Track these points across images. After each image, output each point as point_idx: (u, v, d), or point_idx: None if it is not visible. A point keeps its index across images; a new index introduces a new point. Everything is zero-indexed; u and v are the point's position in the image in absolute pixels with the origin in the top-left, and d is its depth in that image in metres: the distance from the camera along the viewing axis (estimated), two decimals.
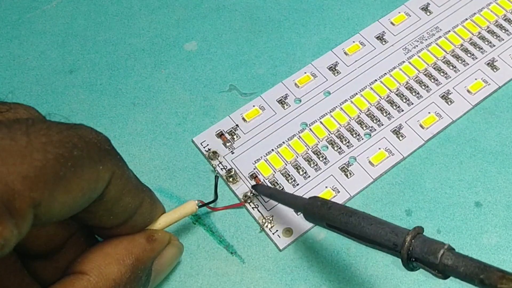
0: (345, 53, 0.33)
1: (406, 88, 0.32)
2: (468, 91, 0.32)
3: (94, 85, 0.33)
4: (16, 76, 0.33)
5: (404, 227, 0.27)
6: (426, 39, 0.34)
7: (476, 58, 0.33)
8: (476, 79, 0.32)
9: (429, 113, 0.31)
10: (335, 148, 0.30)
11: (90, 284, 0.20)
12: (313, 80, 0.32)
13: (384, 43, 0.34)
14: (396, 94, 0.32)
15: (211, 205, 0.28)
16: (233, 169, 0.29)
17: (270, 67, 0.33)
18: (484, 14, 0.35)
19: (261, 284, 0.26)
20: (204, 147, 0.30)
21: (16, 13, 0.36)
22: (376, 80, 0.32)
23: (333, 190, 0.29)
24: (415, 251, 0.19)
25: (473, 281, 0.18)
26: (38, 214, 0.17)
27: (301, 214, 0.28)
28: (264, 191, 0.28)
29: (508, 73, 0.32)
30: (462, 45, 0.33)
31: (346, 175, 0.29)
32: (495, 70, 0.32)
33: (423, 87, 0.32)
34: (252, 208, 0.28)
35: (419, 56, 0.33)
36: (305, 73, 0.32)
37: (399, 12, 0.35)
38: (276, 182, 0.29)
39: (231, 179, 0.29)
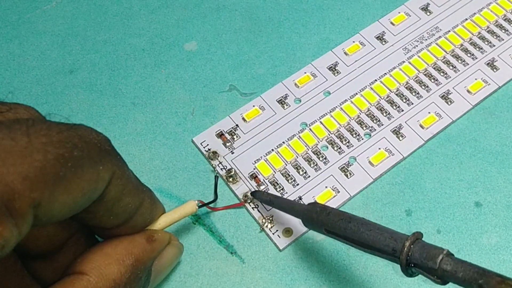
0: (345, 53, 0.33)
1: (406, 88, 0.32)
2: (468, 91, 0.32)
3: (94, 85, 0.33)
4: (16, 76, 0.33)
5: (404, 227, 0.28)
6: (426, 39, 0.34)
7: (476, 58, 0.33)
8: (476, 79, 0.32)
9: (429, 113, 0.31)
10: (335, 148, 0.30)
11: (90, 284, 0.20)
12: (313, 80, 0.32)
13: (384, 43, 0.34)
14: (396, 94, 0.32)
15: (211, 205, 0.28)
16: (233, 169, 0.29)
17: (270, 67, 0.33)
18: (484, 14, 0.35)
19: (261, 284, 0.26)
20: (204, 147, 0.30)
21: (16, 13, 0.36)
22: (376, 80, 0.32)
23: (333, 190, 0.29)
24: (414, 256, 0.19)
25: (471, 286, 0.18)
26: (38, 214, 0.17)
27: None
28: (263, 198, 0.28)
29: (508, 73, 0.32)
30: (462, 45, 0.33)
31: (346, 175, 0.29)
32: (495, 70, 0.32)
33: (423, 87, 0.32)
34: (252, 208, 0.28)
35: (419, 56, 0.33)
36: (305, 73, 0.32)
37: (399, 12, 0.35)
38: (276, 182, 0.29)
39: (231, 179, 0.29)
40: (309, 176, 0.29)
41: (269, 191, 0.29)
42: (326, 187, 0.29)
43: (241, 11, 0.36)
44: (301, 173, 0.29)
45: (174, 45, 0.34)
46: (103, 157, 0.19)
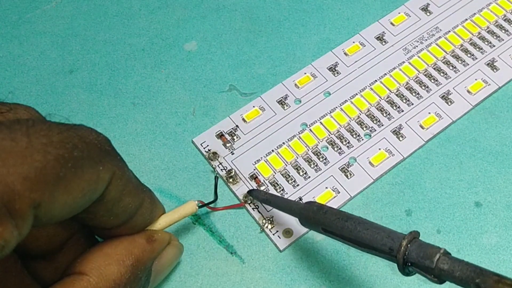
0: (345, 54, 0.33)
1: (406, 88, 0.32)
2: (468, 91, 0.32)
3: (94, 85, 0.33)
4: (16, 76, 0.33)
5: (404, 227, 0.28)
6: (426, 40, 0.34)
7: (476, 59, 0.33)
8: (476, 79, 0.32)
9: (429, 113, 0.31)
10: (335, 149, 0.30)
11: (90, 284, 0.20)
12: (313, 80, 0.32)
13: (384, 43, 0.34)
14: (396, 95, 0.32)
15: (211, 205, 0.28)
16: (233, 170, 0.29)
17: (270, 67, 0.33)
18: (484, 15, 0.35)
19: (261, 284, 0.26)
20: (204, 148, 0.30)
21: (16, 13, 0.36)
22: (376, 80, 0.32)
23: (333, 191, 0.29)
24: (411, 255, 0.19)
25: (468, 285, 0.18)
26: (38, 215, 0.17)
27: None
28: (259, 197, 0.28)
29: (508, 73, 0.32)
30: (462, 45, 0.33)
31: (346, 176, 0.29)
32: (495, 70, 0.32)
33: (423, 87, 0.32)
34: (252, 208, 0.28)
35: (419, 57, 0.33)
36: (305, 73, 0.32)
37: (399, 13, 0.35)
38: (276, 183, 0.29)
39: (231, 180, 0.29)
40: (309, 177, 0.29)
41: (269, 192, 0.29)
42: (326, 187, 0.29)
43: (241, 11, 0.36)
44: (301, 173, 0.29)
45: (174, 45, 0.34)
46: (103, 158, 0.19)
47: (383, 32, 0.34)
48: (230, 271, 0.27)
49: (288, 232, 0.28)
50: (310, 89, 0.32)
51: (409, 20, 0.35)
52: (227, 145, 0.30)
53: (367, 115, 0.31)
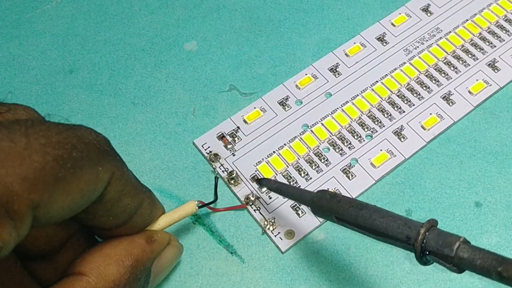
0: (346, 55, 0.33)
1: (407, 89, 0.32)
2: (469, 92, 0.32)
3: (94, 85, 0.33)
4: (16, 76, 0.33)
5: None
6: (427, 40, 0.34)
7: (477, 59, 0.33)
8: (477, 80, 0.32)
9: (430, 114, 0.31)
10: (337, 150, 0.30)
11: (89, 285, 0.20)
12: (314, 81, 0.32)
13: (385, 44, 0.34)
14: (397, 96, 0.32)
15: (211, 205, 0.28)
16: (235, 171, 0.29)
17: (270, 67, 0.33)
18: (484, 15, 0.35)
19: (261, 284, 0.26)
20: (205, 149, 0.30)
21: (16, 13, 0.36)
22: (377, 81, 0.32)
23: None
24: (430, 244, 0.19)
25: (490, 274, 0.17)
26: (37, 215, 0.17)
27: (304, 216, 0.28)
28: (270, 185, 0.28)
29: (509, 74, 0.32)
30: (463, 46, 0.33)
31: (348, 177, 0.29)
32: (496, 70, 0.32)
33: (424, 88, 0.32)
34: (254, 210, 0.28)
35: (420, 57, 0.33)
36: (306, 74, 0.32)
37: (400, 13, 0.35)
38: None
39: (232, 181, 0.29)
40: (310, 178, 0.29)
41: (271, 193, 0.29)
42: (328, 188, 0.29)
43: (241, 11, 0.36)
44: (302, 175, 0.29)
45: (174, 45, 0.34)
46: (102, 158, 0.19)
47: (384, 32, 0.34)
48: (230, 271, 0.27)
49: (290, 234, 0.27)
50: (311, 90, 0.32)
51: (410, 20, 0.35)
52: (228, 146, 0.30)
53: (368, 116, 0.31)
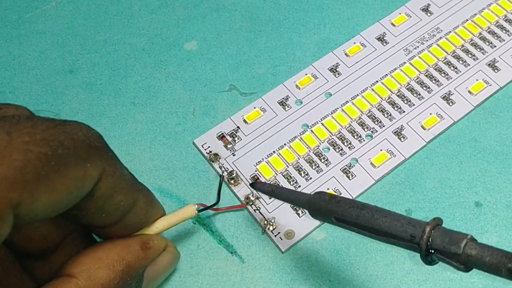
0: (346, 54, 0.33)
1: (407, 89, 0.32)
2: (470, 92, 0.32)
3: (94, 85, 0.33)
4: (16, 76, 0.33)
5: None
6: (427, 40, 0.34)
7: (477, 59, 0.33)
8: (477, 80, 0.32)
9: (430, 114, 0.31)
10: (337, 150, 0.30)
11: (78, 287, 0.20)
12: (314, 81, 0.32)
13: (385, 44, 0.34)
14: (397, 95, 0.32)
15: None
16: (235, 171, 0.29)
17: (270, 67, 0.33)
18: (484, 15, 0.35)
19: (261, 284, 0.26)
20: (205, 149, 0.30)
21: (16, 13, 0.36)
22: (377, 81, 0.32)
23: (335, 192, 0.29)
24: (435, 242, 0.18)
25: (500, 271, 0.17)
26: (19, 214, 0.17)
27: (304, 215, 0.28)
28: (264, 189, 0.27)
29: (509, 74, 0.32)
30: (463, 46, 0.33)
31: (348, 177, 0.29)
32: (496, 70, 0.32)
33: (424, 88, 0.32)
34: (254, 210, 0.28)
35: (420, 57, 0.33)
36: (306, 74, 0.32)
37: (400, 13, 0.35)
38: (277, 184, 0.29)
39: (232, 181, 0.29)
40: (310, 178, 0.29)
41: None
42: (328, 188, 0.29)
43: (241, 11, 0.36)
44: (302, 175, 0.29)
45: (174, 45, 0.34)
46: (91, 154, 0.19)
47: (384, 32, 0.34)
48: (230, 271, 0.27)
49: (290, 234, 0.27)
50: (311, 90, 0.32)
51: (410, 20, 0.35)
52: (228, 146, 0.30)
53: (368, 116, 0.31)
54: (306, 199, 0.24)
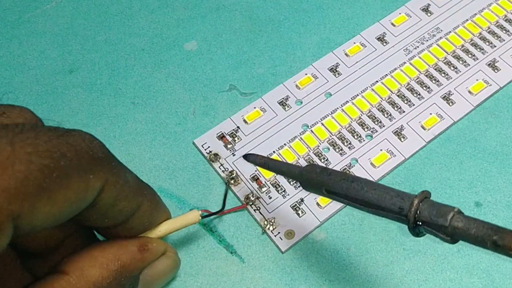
0: (346, 54, 0.33)
1: (407, 89, 0.32)
2: (470, 92, 0.32)
3: (94, 85, 0.33)
4: (16, 76, 0.33)
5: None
6: (427, 40, 0.34)
7: (477, 59, 0.33)
8: (477, 80, 0.32)
9: (430, 114, 0.31)
10: (337, 150, 0.30)
11: (69, 284, 0.20)
12: (314, 81, 0.32)
13: (385, 44, 0.34)
14: (397, 95, 0.32)
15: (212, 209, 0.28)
16: (235, 171, 0.29)
17: (270, 67, 0.33)
18: (484, 15, 0.35)
19: (261, 284, 0.26)
20: (205, 149, 0.30)
21: (16, 13, 0.36)
22: (377, 81, 0.32)
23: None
24: (423, 214, 0.19)
25: (485, 243, 0.17)
26: (19, 225, 0.17)
27: (304, 216, 0.28)
28: (257, 161, 0.27)
29: (509, 74, 0.32)
30: (463, 45, 0.33)
31: None
32: (496, 70, 0.32)
33: (424, 88, 0.32)
34: (254, 210, 0.28)
35: (420, 57, 0.33)
36: (306, 74, 0.32)
37: (400, 13, 0.35)
38: (277, 184, 0.29)
39: (232, 181, 0.29)
40: None
41: (271, 193, 0.29)
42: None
43: (241, 11, 0.36)
44: None
45: (174, 45, 0.34)
46: (94, 166, 0.19)
47: (384, 32, 0.34)
48: (230, 271, 0.27)
49: (290, 234, 0.27)
50: (311, 90, 0.32)
51: (410, 20, 0.35)
52: (228, 146, 0.30)
53: (368, 116, 0.31)
54: (298, 171, 0.24)
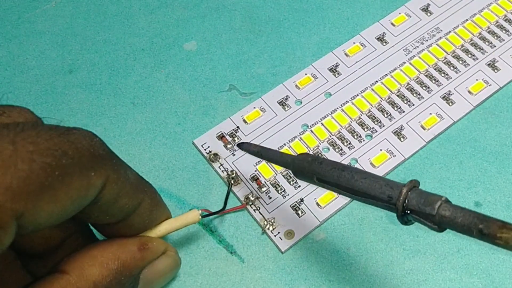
0: (346, 54, 0.33)
1: (407, 89, 0.32)
2: (469, 92, 0.32)
3: (94, 85, 0.33)
4: (16, 76, 0.33)
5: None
6: (427, 40, 0.34)
7: (477, 59, 0.33)
8: (477, 79, 0.32)
9: (430, 114, 0.31)
10: (337, 150, 0.30)
11: (69, 283, 0.20)
12: (313, 81, 0.32)
13: (384, 44, 0.34)
14: (397, 95, 0.32)
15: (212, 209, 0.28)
16: (234, 171, 0.29)
17: (270, 67, 0.33)
18: (484, 15, 0.35)
19: (261, 284, 0.26)
20: (205, 149, 0.30)
21: (16, 13, 0.36)
22: (377, 81, 0.32)
23: (335, 192, 0.28)
24: (411, 203, 0.19)
25: (471, 231, 0.17)
26: (22, 224, 0.17)
27: (303, 216, 0.28)
28: (250, 149, 0.27)
29: (509, 74, 0.32)
30: (462, 45, 0.33)
31: None
32: (496, 70, 0.32)
33: (424, 88, 0.32)
34: (254, 210, 0.28)
35: (419, 57, 0.33)
36: (306, 74, 0.32)
37: (400, 13, 0.35)
38: (277, 184, 0.29)
39: (232, 181, 0.29)
40: None
41: (270, 193, 0.29)
42: None
43: (241, 11, 0.36)
44: None
45: (173, 45, 0.34)
46: (95, 163, 0.19)
47: (384, 32, 0.34)
48: (230, 271, 0.27)
49: (289, 234, 0.27)
50: (311, 90, 0.32)
51: (410, 20, 0.35)
52: (228, 146, 0.30)
53: (368, 116, 0.31)
54: (290, 159, 0.24)
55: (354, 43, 0.34)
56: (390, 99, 0.31)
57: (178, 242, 0.27)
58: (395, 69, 0.32)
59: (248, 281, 0.27)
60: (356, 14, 0.35)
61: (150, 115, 0.32)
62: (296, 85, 0.32)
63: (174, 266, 0.25)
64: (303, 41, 0.34)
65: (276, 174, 0.29)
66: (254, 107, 0.31)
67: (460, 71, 0.32)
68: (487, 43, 0.33)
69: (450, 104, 0.31)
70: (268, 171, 0.29)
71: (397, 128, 0.30)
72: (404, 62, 0.33)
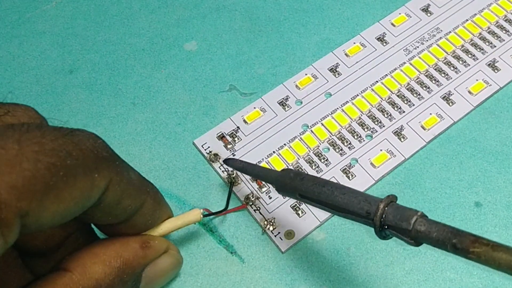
0: (346, 55, 0.33)
1: (407, 89, 0.32)
2: (469, 92, 0.32)
3: (94, 85, 0.33)
4: (16, 76, 0.33)
5: None
6: (427, 40, 0.34)
7: (477, 59, 0.33)
8: (477, 80, 0.32)
9: (430, 114, 0.31)
10: (337, 150, 0.30)
11: (72, 281, 0.20)
12: (314, 81, 0.32)
13: (384, 44, 0.34)
14: (397, 96, 0.32)
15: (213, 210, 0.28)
16: (235, 172, 0.29)
17: (270, 67, 0.33)
18: (484, 15, 0.35)
19: (261, 284, 0.26)
20: (205, 150, 0.30)
21: (16, 13, 0.36)
22: (377, 81, 0.32)
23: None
24: (388, 218, 0.19)
25: (445, 246, 0.18)
26: (26, 223, 0.17)
27: (304, 216, 0.28)
28: (236, 165, 0.27)
29: (509, 74, 0.32)
30: (463, 46, 0.33)
31: (348, 177, 0.29)
32: (496, 71, 0.32)
33: (424, 88, 0.32)
34: (254, 210, 0.28)
35: (420, 57, 0.33)
36: (306, 74, 0.32)
37: (400, 13, 0.35)
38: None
39: (232, 182, 0.29)
40: None
41: (271, 193, 0.29)
42: None
43: (241, 11, 0.36)
44: None
45: (174, 45, 0.34)
46: (99, 165, 0.19)
47: (384, 32, 0.34)
48: (230, 271, 0.27)
49: (290, 234, 0.27)
50: (311, 90, 0.32)
51: (410, 20, 0.35)
52: (228, 146, 0.30)
53: (368, 116, 0.31)
54: (274, 176, 0.24)
55: (354, 43, 0.34)
56: (390, 99, 0.31)
57: (179, 242, 0.27)
58: (395, 69, 0.33)
59: (248, 281, 0.27)
60: (356, 14, 0.35)
61: (150, 115, 0.32)
62: (296, 85, 0.32)
63: (176, 265, 0.25)
64: (303, 41, 0.34)
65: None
66: (254, 107, 0.31)
67: (460, 71, 0.32)
68: (487, 43, 0.33)
69: (450, 104, 0.31)
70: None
71: (397, 128, 0.30)
72: (404, 62, 0.33)
